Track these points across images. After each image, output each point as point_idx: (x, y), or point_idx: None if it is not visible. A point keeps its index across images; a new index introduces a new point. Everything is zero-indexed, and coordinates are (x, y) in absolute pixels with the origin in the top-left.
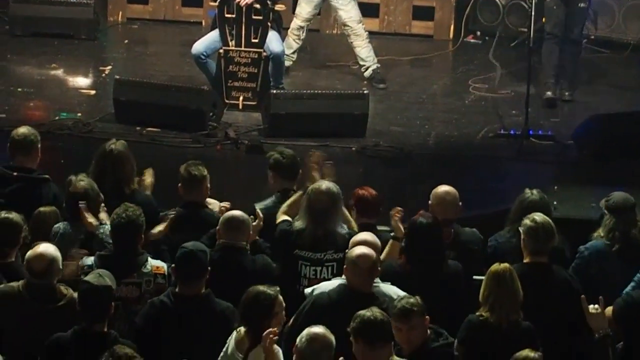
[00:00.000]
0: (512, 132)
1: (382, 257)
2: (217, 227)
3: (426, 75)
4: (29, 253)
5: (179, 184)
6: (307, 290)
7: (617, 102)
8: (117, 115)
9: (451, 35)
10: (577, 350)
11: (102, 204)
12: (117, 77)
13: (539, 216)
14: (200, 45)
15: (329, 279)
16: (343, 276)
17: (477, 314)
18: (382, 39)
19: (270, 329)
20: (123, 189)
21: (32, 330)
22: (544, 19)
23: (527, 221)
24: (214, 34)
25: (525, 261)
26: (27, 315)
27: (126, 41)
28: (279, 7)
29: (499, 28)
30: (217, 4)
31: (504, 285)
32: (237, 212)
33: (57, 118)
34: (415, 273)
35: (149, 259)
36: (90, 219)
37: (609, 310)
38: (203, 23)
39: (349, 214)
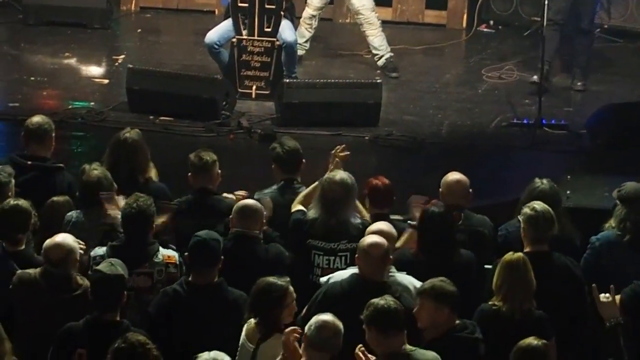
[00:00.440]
0: (525, 121)
1: (398, 245)
2: (230, 216)
3: (439, 65)
4: (47, 242)
5: (189, 173)
6: (323, 279)
7: (630, 92)
8: (130, 104)
9: (464, 25)
10: (580, 339)
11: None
12: (130, 66)
13: (538, 204)
14: (213, 35)
15: (343, 269)
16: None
17: (490, 303)
18: (395, 28)
19: (293, 327)
20: (137, 177)
21: (47, 318)
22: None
23: (526, 210)
24: (227, 23)
25: (525, 250)
26: (42, 303)
27: (139, 30)
28: None
29: (511, 18)
30: None
31: (517, 274)
32: (250, 201)
33: (70, 107)
34: (428, 262)
35: (160, 248)
36: (111, 210)
37: (618, 299)
38: (216, 12)
39: (362, 203)
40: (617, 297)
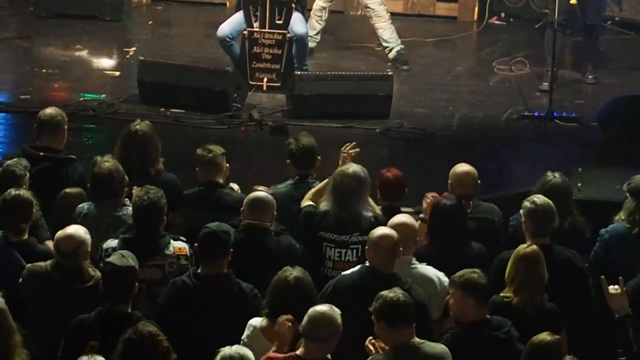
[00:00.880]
0: (536, 113)
1: None
2: (242, 208)
3: (450, 57)
4: (59, 233)
5: (197, 168)
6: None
7: None
8: (141, 97)
9: (475, 17)
10: (584, 330)
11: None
12: (141, 58)
13: (538, 198)
14: (225, 28)
15: (354, 261)
16: None
17: (502, 295)
18: (406, 20)
19: (286, 316)
20: (148, 169)
21: (59, 310)
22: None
23: (527, 203)
24: (239, 16)
25: (527, 243)
26: (54, 295)
27: (150, 22)
28: None
29: (523, 10)
30: None
31: (530, 268)
32: (261, 193)
33: (81, 99)
34: (439, 255)
35: (172, 240)
36: None
37: None
38: (227, 4)
39: (373, 195)
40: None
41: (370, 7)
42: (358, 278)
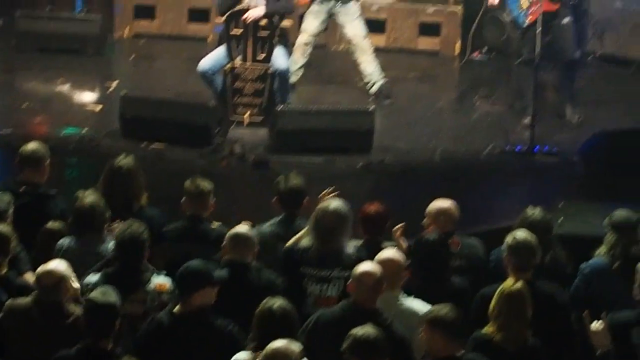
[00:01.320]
0: (518, 148)
1: None
2: (223, 244)
3: (432, 92)
4: (40, 269)
5: (183, 198)
6: None
7: (623, 119)
8: (123, 131)
9: (457, 52)
10: None
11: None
12: (124, 92)
13: (521, 233)
14: (207, 62)
15: (335, 297)
16: None
17: (484, 331)
18: (388, 55)
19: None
20: (132, 204)
21: (39, 346)
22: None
23: (509, 238)
24: (221, 50)
25: (512, 280)
26: (35, 330)
27: (133, 56)
28: (286, 23)
29: (504, 45)
30: (223, 19)
31: (515, 306)
32: (243, 229)
33: (63, 134)
34: (421, 289)
35: (154, 275)
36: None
37: None
38: (209, 39)
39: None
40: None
41: (353, 42)
42: (340, 313)
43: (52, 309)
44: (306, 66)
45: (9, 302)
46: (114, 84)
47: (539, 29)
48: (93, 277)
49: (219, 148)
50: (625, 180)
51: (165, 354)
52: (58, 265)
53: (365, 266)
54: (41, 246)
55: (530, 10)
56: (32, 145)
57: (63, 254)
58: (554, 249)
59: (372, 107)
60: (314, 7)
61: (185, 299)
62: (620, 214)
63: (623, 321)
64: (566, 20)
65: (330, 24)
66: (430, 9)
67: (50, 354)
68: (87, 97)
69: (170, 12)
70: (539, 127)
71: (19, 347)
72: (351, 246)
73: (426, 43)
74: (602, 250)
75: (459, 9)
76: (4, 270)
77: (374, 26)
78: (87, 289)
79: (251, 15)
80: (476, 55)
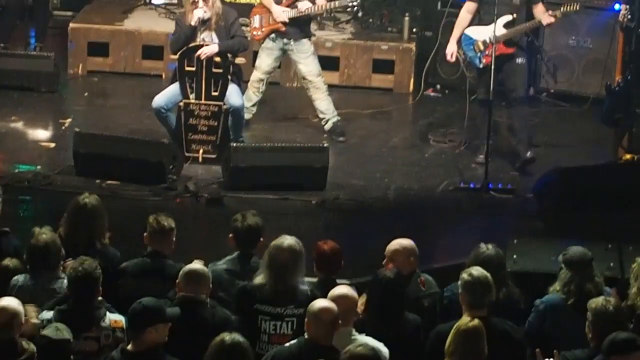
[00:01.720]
0: (471, 185)
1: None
2: (177, 280)
3: (386, 128)
4: None
5: (145, 233)
6: None
7: (576, 156)
8: (77, 168)
9: (411, 89)
10: None
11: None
12: (77, 129)
13: (476, 270)
14: (160, 99)
15: (289, 334)
16: None
17: None
18: (342, 92)
19: None
20: (95, 243)
21: None
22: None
23: (464, 275)
24: (174, 87)
25: (468, 318)
26: None
27: (86, 94)
28: (239, 60)
29: (458, 82)
30: (177, 57)
31: (471, 343)
32: (197, 266)
33: (16, 171)
34: (375, 326)
35: (107, 312)
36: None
37: None
38: (163, 76)
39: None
40: None
41: (307, 79)
42: (297, 350)
43: (5, 346)
44: (260, 103)
45: None
46: (68, 121)
47: (493, 70)
48: (47, 314)
49: (173, 185)
50: (578, 217)
51: None
52: (11, 302)
53: (322, 303)
54: None
55: (486, 53)
56: None
57: (17, 291)
58: (507, 285)
59: (326, 144)
60: (268, 44)
61: (137, 335)
62: (575, 250)
63: None
64: (520, 60)
65: (284, 61)
66: (384, 45)
67: None
68: (41, 134)
69: (124, 50)
70: (493, 165)
71: None
72: (305, 283)
73: (380, 80)
74: (556, 286)
75: (412, 45)
76: None
77: (328, 63)
78: (40, 325)
79: (205, 52)
80: (430, 92)
